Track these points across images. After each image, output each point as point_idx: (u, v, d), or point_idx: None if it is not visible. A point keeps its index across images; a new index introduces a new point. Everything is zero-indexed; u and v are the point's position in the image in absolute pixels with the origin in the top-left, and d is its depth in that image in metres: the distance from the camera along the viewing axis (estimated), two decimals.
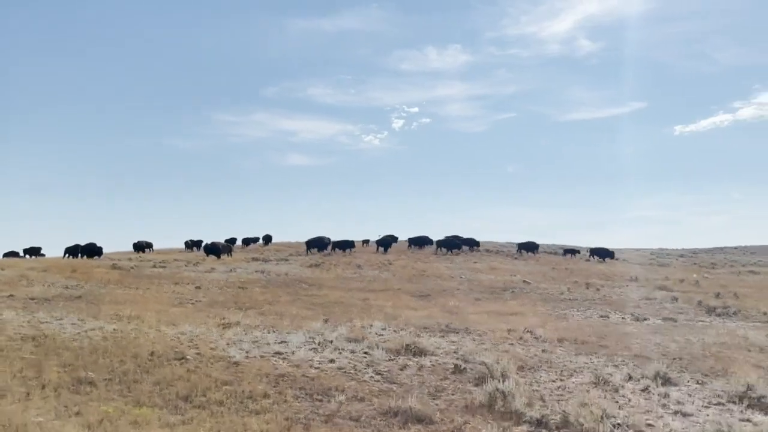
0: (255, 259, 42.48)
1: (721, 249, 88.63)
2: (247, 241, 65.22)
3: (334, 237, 51.13)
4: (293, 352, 11.27)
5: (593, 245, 50.66)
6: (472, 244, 49.76)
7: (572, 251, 47.40)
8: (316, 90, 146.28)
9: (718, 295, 25.85)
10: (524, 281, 30.33)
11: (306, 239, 51.57)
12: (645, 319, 19.31)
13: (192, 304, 19.52)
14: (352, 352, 11.42)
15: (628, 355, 12.45)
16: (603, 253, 44.70)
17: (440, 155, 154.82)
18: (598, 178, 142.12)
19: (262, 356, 10.85)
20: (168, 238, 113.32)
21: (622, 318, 19.65)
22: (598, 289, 28.17)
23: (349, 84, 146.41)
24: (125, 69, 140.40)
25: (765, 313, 20.82)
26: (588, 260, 46.21)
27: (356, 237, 53.29)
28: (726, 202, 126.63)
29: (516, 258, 47.34)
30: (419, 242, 53.64)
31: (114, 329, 12.91)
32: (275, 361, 10.57)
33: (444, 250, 47.93)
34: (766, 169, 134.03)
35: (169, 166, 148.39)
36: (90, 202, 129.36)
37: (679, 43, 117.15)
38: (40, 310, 15.50)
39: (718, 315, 20.62)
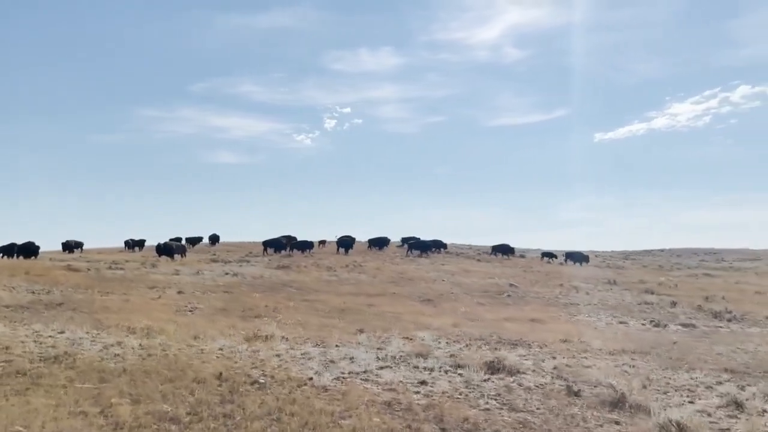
0: (214, 261, 40.02)
1: (649, 252, 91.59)
2: (192, 241, 62.01)
3: (269, 237, 49.42)
4: (374, 372, 9.79)
5: (534, 247, 50.74)
6: (440, 246, 49.01)
7: (550, 255, 47.43)
8: (246, 87, 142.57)
9: (707, 299, 25.93)
10: (511, 284, 29.65)
11: (249, 239, 49.66)
12: (665, 326, 18.86)
13: (191, 311, 17.54)
14: (441, 372, 10.06)
15: (715, 369, 11.68)
16: (578, 257, 44.92)
17: (373, 156, 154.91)
18: (527, 181, 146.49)
19: (343, 378, 9.32)
20: (97, 237, 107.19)
21: (642, 324, 19.18)
22: (587, 293, 27.83)
23: (280, 82, 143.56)
24: (46, 61, 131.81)
25: None
26: (548, 262, 46.38)
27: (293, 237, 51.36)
28: (641, 206, 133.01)
29: (479, 260, 46.92)
30: (379, 243, 52.45)
31: (140, 345, 11.02)
32: (364, 384, 9.08)
33: (415, 251, 46.95)
34: (678, 175, 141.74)
35: (92, 162, 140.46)
36: (9, 200, 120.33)
37: (599, 55, 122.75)
38: (32, 321, 13.31)
39: (729, 320, 20.44)
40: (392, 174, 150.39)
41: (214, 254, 47.25)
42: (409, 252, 47.52)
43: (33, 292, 18.97)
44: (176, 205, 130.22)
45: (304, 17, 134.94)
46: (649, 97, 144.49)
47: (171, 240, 56.75)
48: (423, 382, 9.29)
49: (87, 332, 12.29)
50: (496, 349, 12.57)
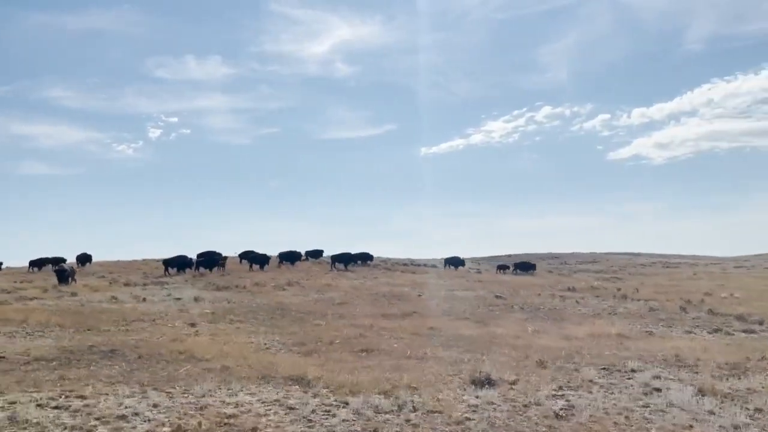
0: (127, 284, 34.02)
1: (496, 258, 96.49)
2: (55, 261, 53.11)
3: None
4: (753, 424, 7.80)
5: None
6: (366, 258, 46.66)
7: (504, 267, 46.75)
8: (57, 92, 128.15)
9: (689, 302, 26.76)
10: (497, 296, 28.58)
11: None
12: (731, 334, 18.80)
13: (267, 349, 13.95)
14: None
15: None
16: (526, 266, 45.20)
17: (202, 167, 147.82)
18: (360, 193, 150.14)
19: None
20: None
21: (709, 333, 18.94)
22: (577, 302, 27.67)
23: (96, 87, 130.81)
24: None
25: None
26: (503, 273, 46.10)
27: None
28: (463, 216, 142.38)
29: (403, 272, 45.46)
30: (291, 258, 48.74)
31: (400, 406, 7.92)
32: None
33: (340, 265, 44.21)
34: (494, 187, 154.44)
35: None
36: None
37: (422, 74, 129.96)
38: (142, 385, 9.30)
39: (759, 324, 20.88)
40: (224, 186, 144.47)
41: (104, 276, 40.45)
42: (332, 266, 44.68)
43: (36, 336, 14.06)
44: None
45: (122, 20, 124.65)
46: (467, 115, 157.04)
47: (33, 262, 49.53)
48: None
49: (254, 391, 8.75)
50: (738, 377, 11.08)
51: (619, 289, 33.12)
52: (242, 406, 8.00)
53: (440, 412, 7.81)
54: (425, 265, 55.26)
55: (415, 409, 7.91)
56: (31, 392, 8.58)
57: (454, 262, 47.90)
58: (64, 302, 23.77)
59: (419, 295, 29.36)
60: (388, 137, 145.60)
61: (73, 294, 27.19)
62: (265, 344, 14.40)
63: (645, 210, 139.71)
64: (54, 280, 34.24)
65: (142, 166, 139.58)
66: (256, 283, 33.78)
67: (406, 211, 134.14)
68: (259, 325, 18.09)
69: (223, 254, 44.75)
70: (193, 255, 43.58)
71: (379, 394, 8.89)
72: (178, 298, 26.28)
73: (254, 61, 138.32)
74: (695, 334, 18.82)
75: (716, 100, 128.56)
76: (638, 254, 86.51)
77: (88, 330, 15.78)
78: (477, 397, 8.78)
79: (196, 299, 25.76)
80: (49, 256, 54.32)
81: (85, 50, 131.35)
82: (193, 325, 17.63)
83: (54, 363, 11.03)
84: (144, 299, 25.73)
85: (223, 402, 8.20)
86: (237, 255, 49.17)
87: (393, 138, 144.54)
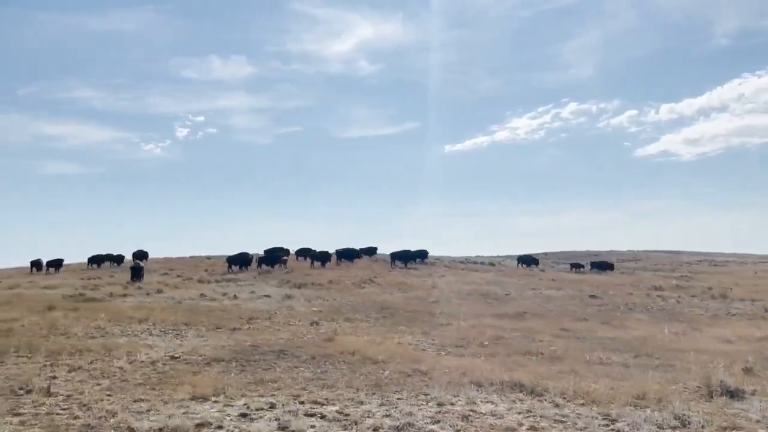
0: (200, 282, 33.65)
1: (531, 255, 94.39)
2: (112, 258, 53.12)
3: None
4: None
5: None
6: (424, 256, 46.03)
7: (578, 265, 45.16)
8: (84, 93, 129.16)
9: None
10: (591, 296, 27.58)
11: (228, 255, 43.57)
12: None
13: (423, 350, 13.19)
14: None
15: None
16: (603, 266, 43.92)
17: (229, 166, 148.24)
18: (382, 191, 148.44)
19: None
20: None
21: None
22: (678, 301, 26.58)
23: (123, 88, 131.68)
24: None
25: None
26: (576, 272, 45.00)
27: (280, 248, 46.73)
28: (487, 214, 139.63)
29: (463, 269, 44.60)
30: (349, 255, 48.19)
31: (678, 424, 7.07)
32: None
33: (399, 262, 43.58)
34: (516, 183, 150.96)
35: None
36: None
37: (445, 71, 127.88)
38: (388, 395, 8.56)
39: None
40: (250, 185, 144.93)
41: (167, 273, 40.17)
42: (392, 263, 44.09)
43: (175, 335, 13.56)
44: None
45: (145, 21, 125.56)
46: (491, 112, 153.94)
47: (96, 256, 49.78)
48: None
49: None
50: None
51: (709, 288, 31.80)
52: (502, 417, 7.24)
53: (735, 429, 6.95)
54: (482, 263, 54.33)
55: (703, 426, 7.05)
56: (255, 397, 7.93)
57: (527, 261, 46.87)
58: (158, 300, 23.36)
59: (507, 294, 28.47)
60: (410, 135, 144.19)
61: (159, 291, 26.80)
62: (419, 345, 13.67)
63: (674, 207, 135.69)
64: (121, 276, 34.31)
65: (170, 165, 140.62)
66: (330, 281, 33.14)
67: (429, 209, 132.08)
68: (383, 324, 17.43)
69: (290, 251, 44.27)
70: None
71: (626, 405, 8.07)
72: (267, 296, 25.77)
73: (277, 61, 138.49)
74: None
75: (747, 95, 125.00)
76: (678, 252, 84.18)
77: (218, 328, 15.22)
78: (743, 410, 7.90)
79: (288, 297, 25.23)
80: (104, 253, 54.64)
81: (109, 52, 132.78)
82: (316, 323, 17.00)
83: (234, 364, 10.40)
84: (235, 296, 25.26)
85: (474, 411, 7.45)
86: (293, 252, 48.90)
87: (415, 136, 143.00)
